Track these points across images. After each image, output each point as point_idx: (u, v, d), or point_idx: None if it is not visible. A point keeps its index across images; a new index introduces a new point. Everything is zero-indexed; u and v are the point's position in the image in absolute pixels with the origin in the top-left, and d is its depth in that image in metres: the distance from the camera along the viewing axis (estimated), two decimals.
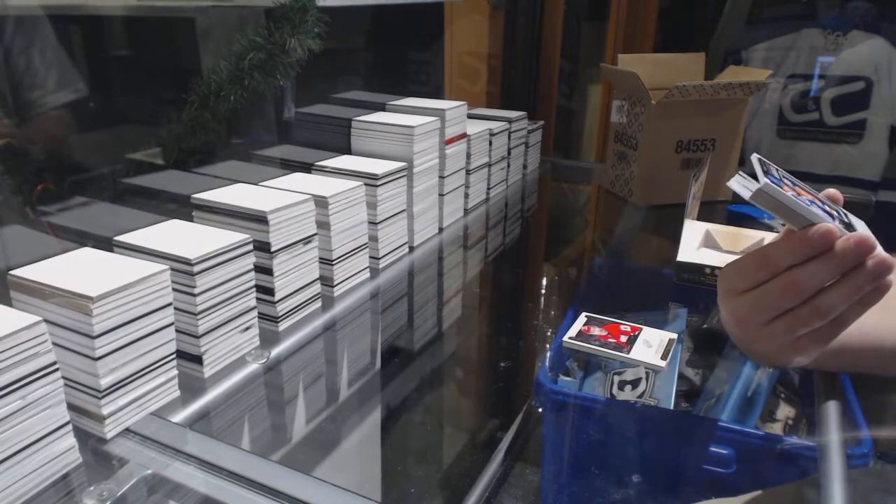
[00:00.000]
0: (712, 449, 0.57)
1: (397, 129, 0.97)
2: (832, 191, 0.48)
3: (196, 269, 0.62)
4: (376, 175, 0.87)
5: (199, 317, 0.63)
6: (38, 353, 0.49)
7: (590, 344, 0.71)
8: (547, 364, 0.70)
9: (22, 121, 0.74)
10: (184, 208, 0.76)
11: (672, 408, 0.65)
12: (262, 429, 0.66)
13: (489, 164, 1.23)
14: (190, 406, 0.62)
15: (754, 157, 0.44)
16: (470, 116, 1.25)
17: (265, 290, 0.73)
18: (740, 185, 0.44)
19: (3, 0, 0.77)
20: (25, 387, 0.48)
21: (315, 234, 0.77)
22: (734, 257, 0.92)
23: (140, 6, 0.96)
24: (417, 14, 1.48)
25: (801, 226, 0.42)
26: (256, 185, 0.81)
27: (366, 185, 0.85)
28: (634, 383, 0.66)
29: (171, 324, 0.60)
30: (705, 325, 0.77)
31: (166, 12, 0.98)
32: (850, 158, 1.51)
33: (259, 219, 0.71)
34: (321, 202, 0.78)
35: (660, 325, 0.76)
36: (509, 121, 1.28)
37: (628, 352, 0.69)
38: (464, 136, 1.11)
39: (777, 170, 0.47)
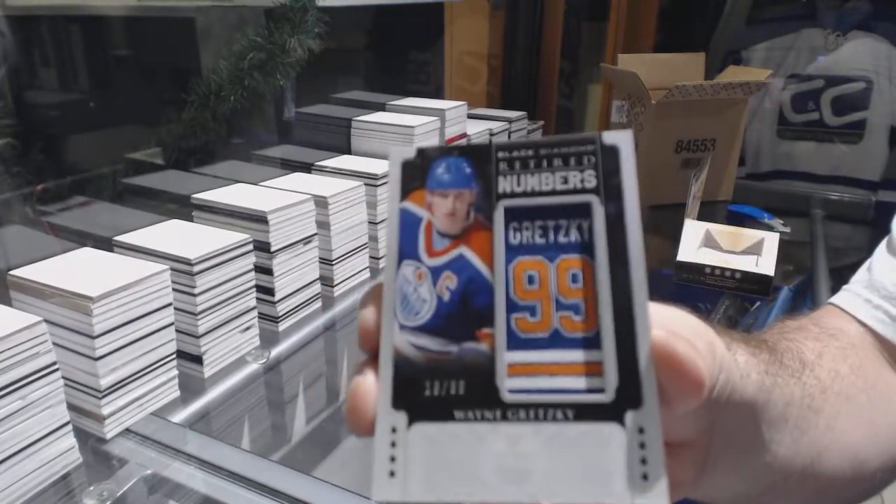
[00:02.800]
0: None
1: (397, 129, 0.97)
2: None
3: (196, 269, 0.62)
4: (376, 175, 0.87)
5: (199, 317, 0.63)
6: (39, 354, 0.49)
7: None
8: None
9: None
10: (184, 208, 0.76)
11: None
12: (263, 429, 0.66)
13: None
14: (190, 406, 0.62)
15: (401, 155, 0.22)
16: (470, 116, 1.25)
17: (265, 290, 0.73)
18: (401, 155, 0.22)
19: (3, 0, 0.77)
20: (26, 387, 0.48)
21: (315, 234, 0.77)
22: (735, 257, 0.92)
23: (140, 6, 0.95)
24: (417, 14, 1.48)
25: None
26: (256, 185, 0.81)
27: (366, 185, 0.85)
28: None
29: (171, 324, 0.60)
30: None
31: (166, 12, 0.98)
32: (850, 159, 1.51)
33: (259, 219, 0.71)
34: (321, 202, 0.78)
35: None
36: (509, 121, 1.28)
37: None
38: (464, 135, 1.11)
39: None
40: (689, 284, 0.87)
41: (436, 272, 0.21)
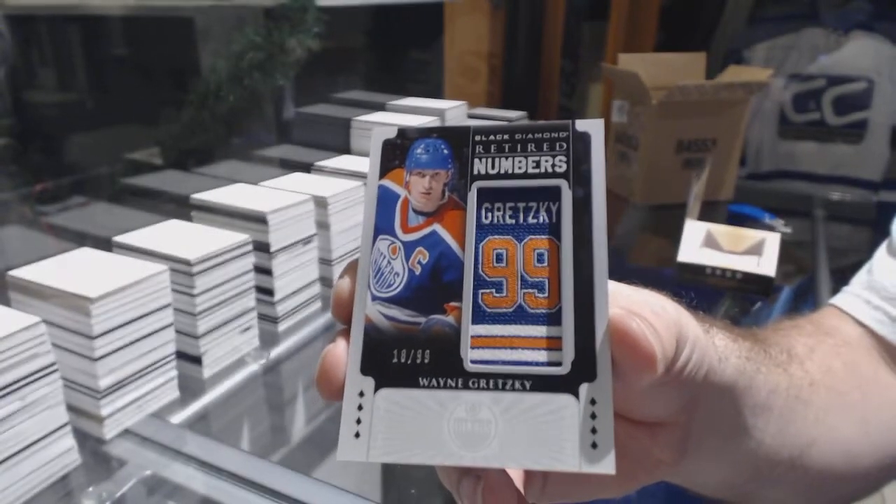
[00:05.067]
0: None
1: None
2: None
3: (195, 269, 0.62)
4: None
5: (198, 317, 0.63)
6: (38, 354, 0.49)
7: None
8: None
9: None
10: (183, 208, 0.76)
11: None
12: (262, 430, 0.66)
13: None
14: (189, 407, 0.62)
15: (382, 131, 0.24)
16: (470, 116, 1.24)
17: (265, 291, 0.73)
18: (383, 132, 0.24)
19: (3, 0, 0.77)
20: (25, 387, 0.48)
21: (315, 235, 0.77)
22: (736, 257, 0.92)
23: (139, 6, 0.95)
24: (417, 13, 1.48)
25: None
26: (256, 185, 0.81)
27: (365, 185, 0.85)
28: None
29: (171, 324, 0.60)
30: None
31: (165, 12, 0.98)
32: (851, 158, 1.50)
33: (258, 219, 0.71)
34: (321, 202, 0.78)
35: None
36: (509, 121, 1.28)
37: None
38: None
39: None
40: (690, 285, 0.87)
41: (409, 247, 0.22)
